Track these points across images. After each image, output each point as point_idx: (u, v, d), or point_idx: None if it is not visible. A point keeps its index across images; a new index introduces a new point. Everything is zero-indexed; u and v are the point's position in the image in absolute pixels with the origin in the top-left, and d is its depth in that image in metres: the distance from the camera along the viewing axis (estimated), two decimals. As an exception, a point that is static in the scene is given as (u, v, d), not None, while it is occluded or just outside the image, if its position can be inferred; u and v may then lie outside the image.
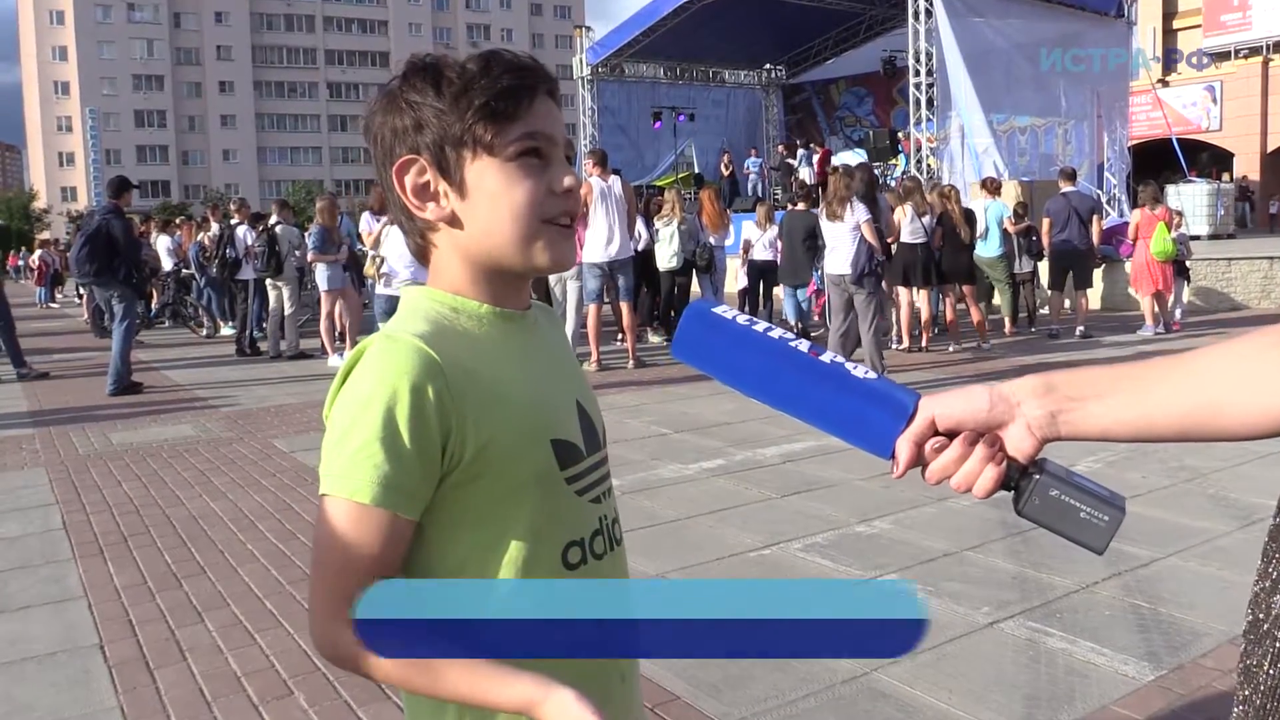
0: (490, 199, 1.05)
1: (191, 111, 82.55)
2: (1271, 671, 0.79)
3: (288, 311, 11.54)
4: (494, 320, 1.10)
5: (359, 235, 11.71)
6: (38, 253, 29.00)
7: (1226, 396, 0.87)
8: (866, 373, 0.95)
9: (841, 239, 8.17)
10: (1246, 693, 0.82)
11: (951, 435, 0.92)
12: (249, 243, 11.96)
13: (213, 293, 14.80)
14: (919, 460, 0.92)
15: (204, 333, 14.85)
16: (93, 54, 79.21)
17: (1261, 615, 0.81)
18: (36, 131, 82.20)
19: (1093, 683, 2.92)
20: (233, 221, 12.54)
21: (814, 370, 0.95)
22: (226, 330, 14.17)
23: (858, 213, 7.97)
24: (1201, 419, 0.88)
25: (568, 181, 1.08)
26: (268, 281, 11.54)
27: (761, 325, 0.98)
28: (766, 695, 2.88)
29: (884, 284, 8.67)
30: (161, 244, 15.93)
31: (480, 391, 1.02)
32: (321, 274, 10.53)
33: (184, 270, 15.66)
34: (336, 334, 11.17)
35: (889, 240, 8.93)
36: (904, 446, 0.92)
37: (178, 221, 18.26)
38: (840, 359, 0.96)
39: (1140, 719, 2.72)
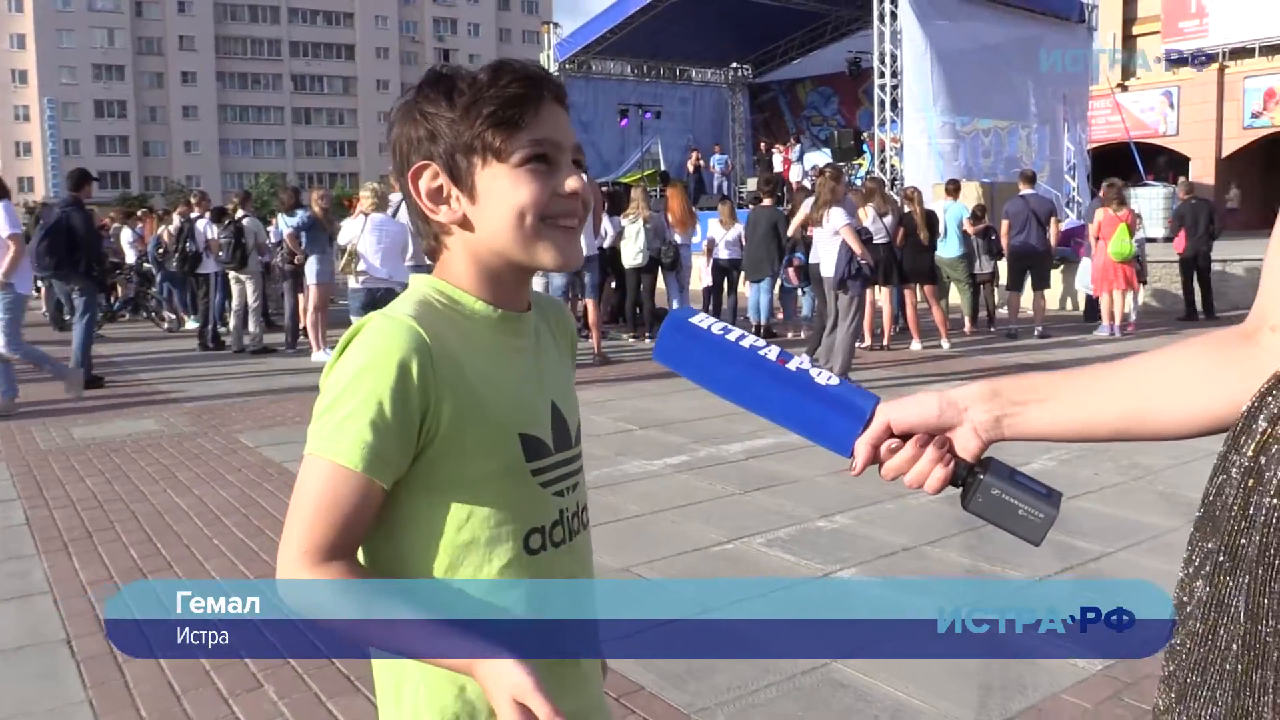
0: (498, 202, 1.12)
1: (153, 102, 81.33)
2: (1192, 647, 0.87)
3: (252, 305, 11.49)
4: (486, 317, 1.17)
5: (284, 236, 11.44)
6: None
7: (1158, 402, 0.96)
8: (830, 379, 1.04)
9: (824, 243, 8.30)
10: (1171, 668, 0.90)
11: (906, 437, 1.00)
12: (210, 236, 11.88)
13: (173, 287, 14.66)
14: (876, 459, 1.01)
15: (166, 326, 14.72)
16: (52, 42, 77.78)
17: (1185, 598, 0.90)
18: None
19: (1043, 672, 3.02)
20: (193, 215, 12.45)
21: (781, 377, 1.04)
22: (190, 324, 14.07)
23: (835, 218, 8.09)
24: (1135, 422, 0.98)
25: (572, 184, 1.13)
26: (231, 275, 11.48)
27: (735, 334, 1.07)
28: (730, 685, 2.95)
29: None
30: (124, 236, 15.77)
31: (460, 379, 1.09)
32: (311, 266, 10.53)
33: (145, 264, 15.51)
34: (302, 328, 11.16)
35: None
36: (862, 447, 1.01)
37: (139, 214, 18.07)
38: (805, 365, 1.05)
39: (1089, 706, 2.83)
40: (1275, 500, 0.81)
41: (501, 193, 1.11)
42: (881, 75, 17.12)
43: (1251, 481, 0.83)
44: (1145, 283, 12.14)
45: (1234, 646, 0.83)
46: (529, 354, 1.21)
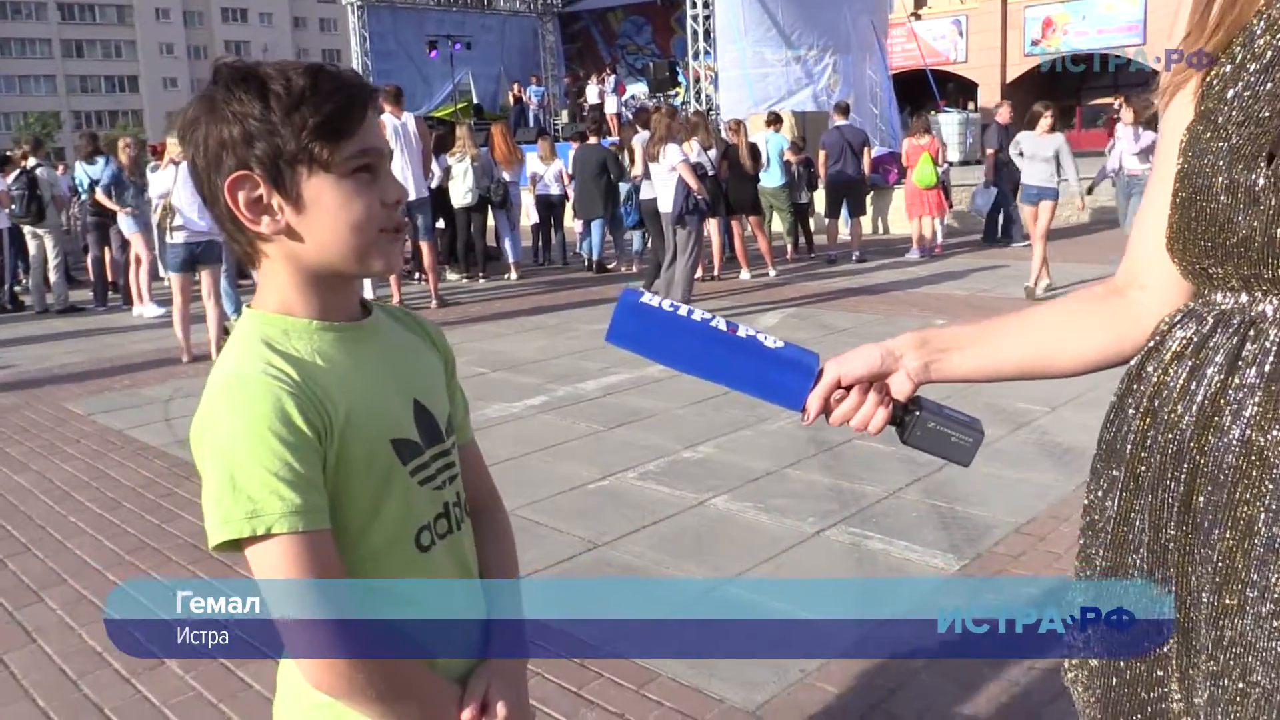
0: (328, 213, 1.11)
1: (-107, 36, 73.04)
2: (1105, 554, 1.09)
3: (53, 262, 10.73)
4: (322, 335, 1.16)
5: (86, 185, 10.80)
6: None
7: (1054, 347, 1.19)
8: (776, 342, 1.16)
9: (661, 180, 8.44)
10: (1088, 573, 1.12)
11: (848, 388, 1.16)
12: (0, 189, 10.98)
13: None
14: (825, 410, 1.16)
15: (-51, 288, 13.53)
16: None
17: (1097, 516, 1.10)
18: None
19: (910, 576, 3.34)
20: (-25, 167, 11.44)
21: (734, 346, 1.15)
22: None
23: (670, 155, 8.24)
24: (1037, 363, 1.20)
25: (395, 192, 1.16)
26: (27, 230, 10.67)
27: (684, 309, 1.16)
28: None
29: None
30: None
31: (330, 403, 1.11)
32: (126, 219, 9.92)
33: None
34: (112, 282, 10.53)
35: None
36: (814, 401, 1.15)
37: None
38: (753, 332, 1.16)
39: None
40: (1167, 434, 1.01)
41: (332, 205, 1.11)
42: (694, 5, 17.28)
43: (1148, 420, 1.03)
44: (951, 206, 12.90)
45: (1141, 551, 1.04)
46: (376, 360, 1.21)
